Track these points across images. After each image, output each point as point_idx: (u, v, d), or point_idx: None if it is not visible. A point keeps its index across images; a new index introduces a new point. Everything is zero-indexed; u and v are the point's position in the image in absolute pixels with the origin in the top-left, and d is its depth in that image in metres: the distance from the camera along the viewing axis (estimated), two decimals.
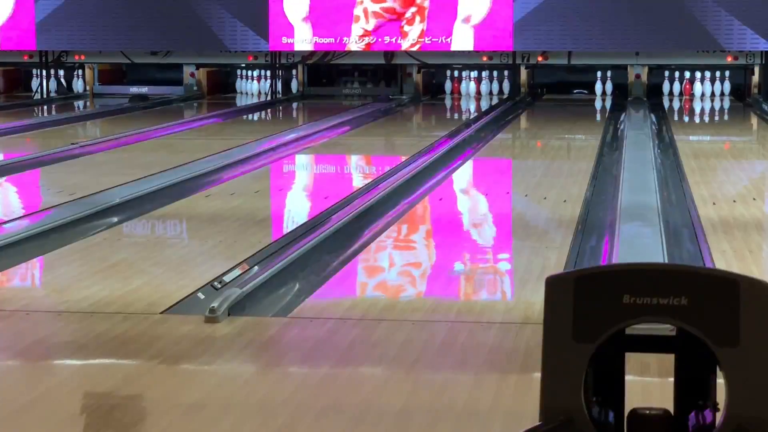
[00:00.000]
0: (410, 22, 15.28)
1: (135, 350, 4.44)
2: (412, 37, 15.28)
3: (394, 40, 15.31)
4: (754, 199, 7.95)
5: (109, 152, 10.69)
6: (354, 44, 15.41)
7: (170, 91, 16.64)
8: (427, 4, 15.21)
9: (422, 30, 15.26)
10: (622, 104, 14.82)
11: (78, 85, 17.21)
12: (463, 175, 9.65)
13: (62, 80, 17.15)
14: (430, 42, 15.24)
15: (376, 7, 15.31)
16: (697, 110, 15.09)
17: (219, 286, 5.26)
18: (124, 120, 13.87)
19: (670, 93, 15.83)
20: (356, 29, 15.35)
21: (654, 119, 13.27)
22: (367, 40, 15.35)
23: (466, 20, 15.15)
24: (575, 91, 16.30)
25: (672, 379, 2.76)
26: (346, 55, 15.67)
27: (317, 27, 15.45)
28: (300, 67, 16.64)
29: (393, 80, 16.62)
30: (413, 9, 15.28)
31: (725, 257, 6.00)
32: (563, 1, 14.99)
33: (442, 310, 5.03)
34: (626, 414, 2.64)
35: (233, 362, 4.35)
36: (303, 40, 15.46)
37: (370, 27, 15.34)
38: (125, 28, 15.80)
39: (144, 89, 16.79)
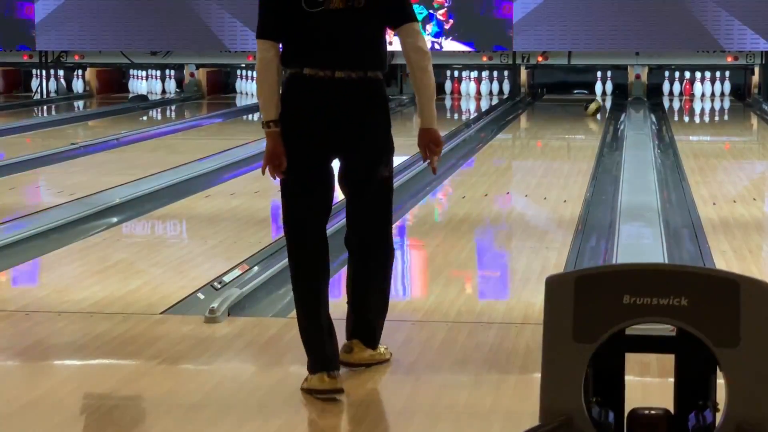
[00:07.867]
0: None
1: (135, 350, 4.44)
2: None
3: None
4: (754, 199, 7.95)
5: (109, 152, 10.69)
6: None
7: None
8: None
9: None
10: (622, 104, 14.82)
11: (78, 85, 17.20)
12: (463, 175, 9.64)
13: (62, 80, 17.14)
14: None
15: None
16: (697, 110, 15.09)
17: (219, 286, 5.26)
18: (124, 120, 13.87)
19: (670, 93, 15.82)
20: None
21: (654, 119, 13.26)
22: None
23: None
24: (575, 91, 16.30)
25: (672, 379, 2.75)
26: None
27: None
28: None
29: (393, 80, 16.60)
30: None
31: (725, 257, 6.00)
32: (563, 1, 14.98)
33: (442, 310, 5.03)
34: (626, 414, 2.64)
35: (233, 362, 4.35)
36: None
37: None
38: (125, 28, 15.80)
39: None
